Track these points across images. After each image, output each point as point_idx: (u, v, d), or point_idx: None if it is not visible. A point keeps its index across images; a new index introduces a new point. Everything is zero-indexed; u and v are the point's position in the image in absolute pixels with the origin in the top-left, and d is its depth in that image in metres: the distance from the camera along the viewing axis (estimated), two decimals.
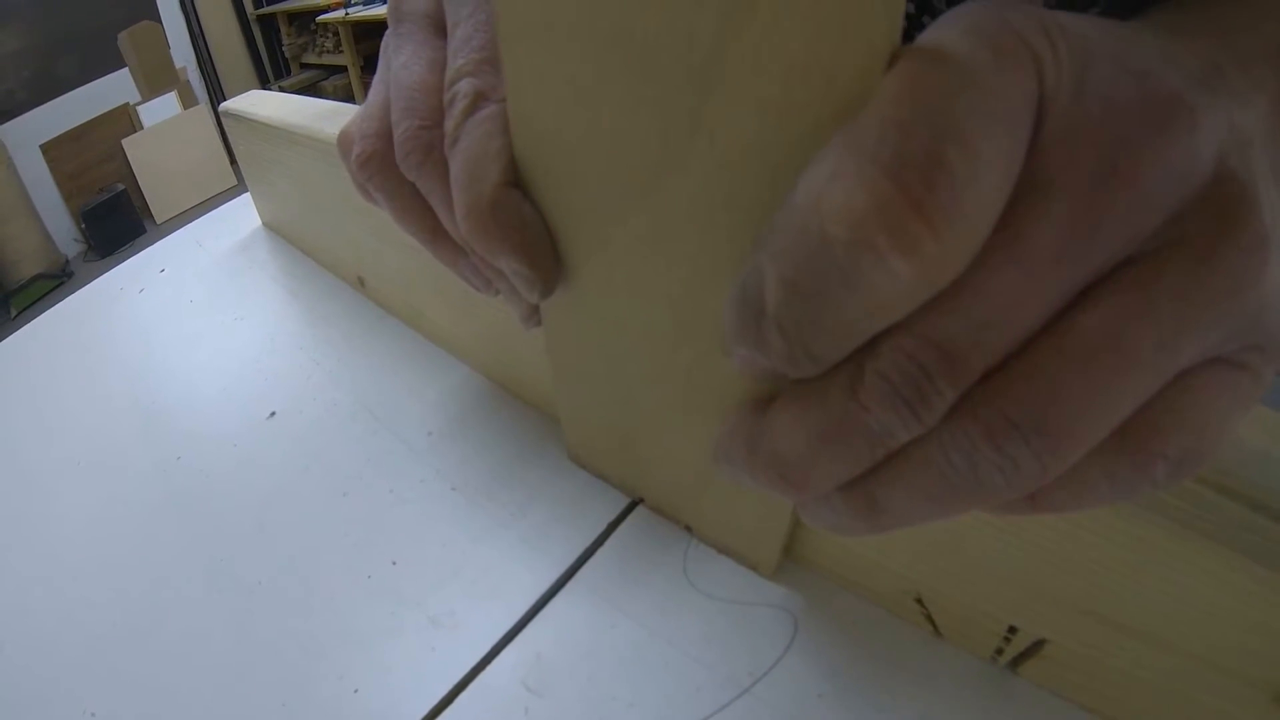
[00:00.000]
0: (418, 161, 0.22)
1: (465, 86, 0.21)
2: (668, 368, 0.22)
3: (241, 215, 0.58)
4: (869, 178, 0.11)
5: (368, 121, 0.24)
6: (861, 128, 0.12)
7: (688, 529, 0.28)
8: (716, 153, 0.16)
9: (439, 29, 0.24)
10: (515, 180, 0.21)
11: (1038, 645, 0.22)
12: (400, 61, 0.23)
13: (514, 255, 0.21)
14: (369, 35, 3.41)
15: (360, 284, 0.45)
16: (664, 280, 0.20)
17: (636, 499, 0.30)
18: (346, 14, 3.26)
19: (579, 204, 0.20)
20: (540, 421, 0.34)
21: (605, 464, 0.31)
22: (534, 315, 0.25)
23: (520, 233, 0.21)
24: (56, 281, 2.90)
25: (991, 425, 0.13)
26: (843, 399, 0.14)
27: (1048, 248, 0.12)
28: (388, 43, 0.25)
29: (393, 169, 0.23)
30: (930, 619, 0.24)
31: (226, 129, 0.50)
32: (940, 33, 0.12)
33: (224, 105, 0.49)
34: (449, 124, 0.21)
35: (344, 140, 0.25)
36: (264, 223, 0.56)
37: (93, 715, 0.26)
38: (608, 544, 0.29)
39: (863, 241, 0.11)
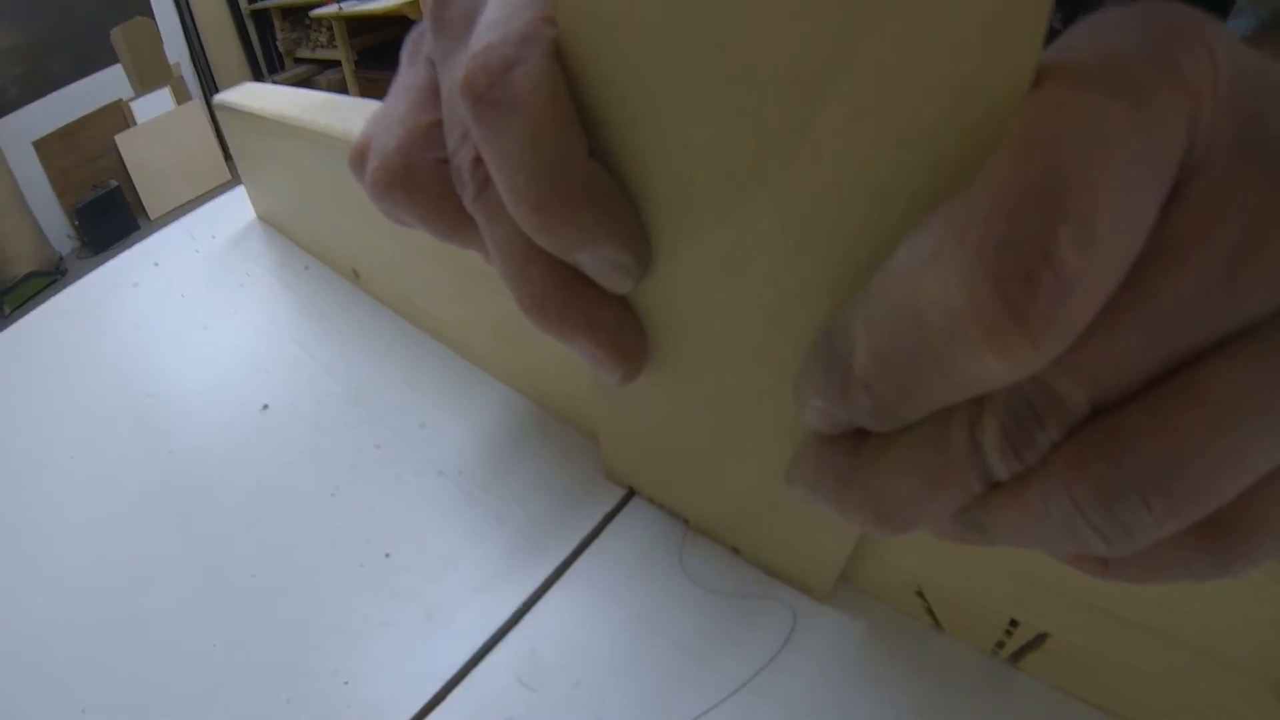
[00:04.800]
0: (471, 197, 0.19)
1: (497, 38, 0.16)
2: (735, 393, 0.21)
3: (235, 208, 0.57)
4: (968, 273, 0.10)
5: (386, 137, 0.20)
6: (968, 205, 0.11)
7: (735, 550, 0.27)
8: (822, 171, 0.14)
9: None
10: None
11: (1039, 639, 0.22)
12: (450, 78, 0.19)
13: (611, 242, 0.17)
14: (363, 30, 3.39)
15: (355, 276, 0.45)
16: (741, 304, 0.18)
17: (681, 518, 0.28)
18: (340, 9, 3.24)
19: (647, 217, 0.18)
20: (535, 413, 0.34)
21: (648, 483, 0.29)
22: (631, 371, 0.21)
23: (616, 217, 0.17)
24: (50, 279, 2.88)
25: (1104, 485, 0.11)
26: (961, 444, 0.13)
27: (1180, 313, 0.11)
28: (419, 46, 0.22)
29: (417, 190, 0.20)
30: (931, 612, 0.24)
31: (220, 122, 0.50)
32: (1082, 56, 0.11)
33: (218, 98, 0.48)
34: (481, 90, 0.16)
35: (357, 154, 0.22)
36: (258, 215, 0.56)
37: (84, 711, 0.26)
38: (603, 537, 0.28)
39: (957, 335, 0.11)
